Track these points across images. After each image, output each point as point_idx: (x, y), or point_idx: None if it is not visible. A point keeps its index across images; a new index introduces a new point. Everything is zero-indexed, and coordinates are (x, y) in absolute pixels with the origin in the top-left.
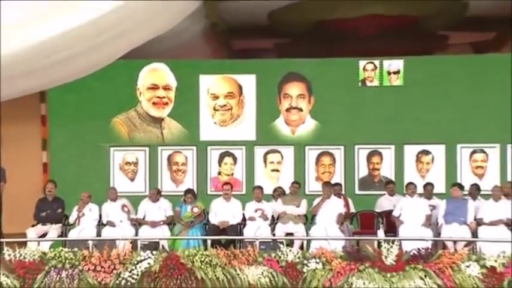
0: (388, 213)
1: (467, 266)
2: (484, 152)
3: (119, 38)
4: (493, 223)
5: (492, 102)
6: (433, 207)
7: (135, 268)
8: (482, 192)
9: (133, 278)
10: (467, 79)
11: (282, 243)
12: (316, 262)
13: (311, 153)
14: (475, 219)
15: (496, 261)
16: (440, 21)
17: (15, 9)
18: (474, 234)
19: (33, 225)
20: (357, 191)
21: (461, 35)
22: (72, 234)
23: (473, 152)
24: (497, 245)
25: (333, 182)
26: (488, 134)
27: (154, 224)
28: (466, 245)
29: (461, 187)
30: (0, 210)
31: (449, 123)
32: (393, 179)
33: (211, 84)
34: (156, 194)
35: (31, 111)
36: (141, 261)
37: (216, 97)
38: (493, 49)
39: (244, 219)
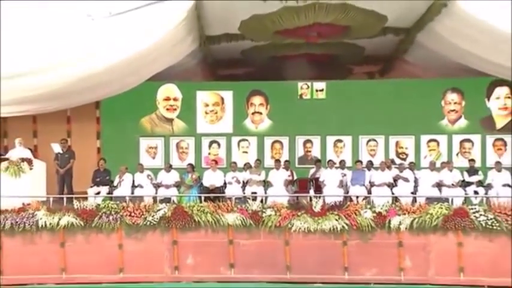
0: (316, 179)
1: (365, 212)
2: (375, 140)
3: (144, 67)
4: (380, 185)
5: (379, 109)
6: (345, 175)
7: (155, 214)
8: (374, 166)
9: (154, 221)
10: (364, 94)
11: (249, 198)
12: (271, 210)
13: (267, 141)
14: (369, 183)
15: (381, 208)
16: (348, 58)
17: (77, 49)
18: (369, 192)
19: (91, 187)
20: (297, 165)
21: (360, 67)
22: (116, 193)
23: (369, 140)
24: (382, 199)
25: (282, 160)
26: (377, 129)
27: (167, 187)
28: (363, 199)
29: (361, 162)
30: (72, 177)
31: (353, 122)
32: (319, 157)
33: (204, 97)
34: (169, 167)
35: (90, 114)
36: (159, 210)
37: (207, 105)
38: (380, 75)
39: (225, 183)
